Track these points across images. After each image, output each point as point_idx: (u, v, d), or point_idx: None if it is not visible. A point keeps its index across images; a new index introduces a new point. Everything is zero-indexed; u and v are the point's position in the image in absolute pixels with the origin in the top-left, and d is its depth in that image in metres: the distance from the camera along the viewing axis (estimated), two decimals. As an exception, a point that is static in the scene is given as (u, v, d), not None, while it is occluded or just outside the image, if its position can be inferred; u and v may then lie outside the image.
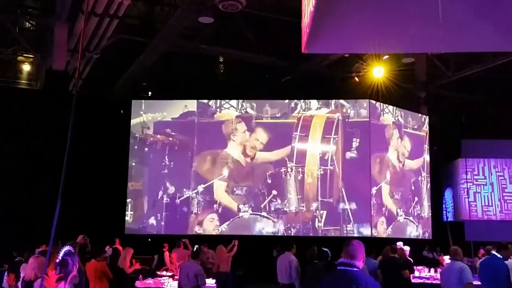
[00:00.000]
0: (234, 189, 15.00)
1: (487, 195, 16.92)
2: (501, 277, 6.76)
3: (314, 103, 15.47)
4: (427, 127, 17.03)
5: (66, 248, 3.43)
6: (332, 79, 15.15)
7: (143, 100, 15.87)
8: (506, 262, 7.24)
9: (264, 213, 14.87)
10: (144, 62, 13.98)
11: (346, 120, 15.28)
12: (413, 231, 16.12)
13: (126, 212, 14.99)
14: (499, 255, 7.24)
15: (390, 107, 16.02)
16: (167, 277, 9.45)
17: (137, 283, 8.98)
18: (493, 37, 3.67)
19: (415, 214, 16.26)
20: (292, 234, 14.69)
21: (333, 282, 3.58)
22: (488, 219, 16.81)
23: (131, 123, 15.46)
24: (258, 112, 15.43)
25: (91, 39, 12.41)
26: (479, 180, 17.00)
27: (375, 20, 3.74)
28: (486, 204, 16.89)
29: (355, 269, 3.45)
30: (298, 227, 14.81)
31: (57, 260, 3.30)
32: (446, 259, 11.80)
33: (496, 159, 17.13)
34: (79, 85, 13.48)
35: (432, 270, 11.59)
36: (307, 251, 8.54)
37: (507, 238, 14.10)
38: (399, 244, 10.37)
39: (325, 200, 14.89)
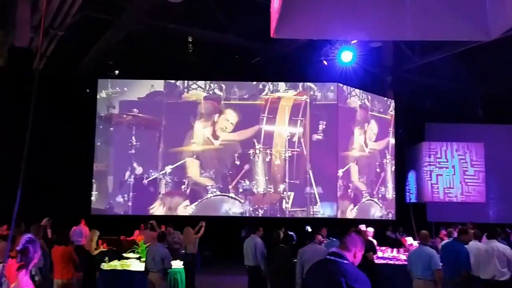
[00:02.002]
0: (202, 170, 14.99)
1: (449, 178, 17.39)
2: (461, 262, 6.98)
3: (282, 85, 15.53)
4: (393, 111, 17.36)
5: (28, 235, 3.37)
6: (301, 62, 15.17)
7: (109, 79, 15.59)
8: (466, 246, 7.49)
9: (232, 194, 14.94)
10: (110, 40, 13.66)
11: (314, 102, 15.41)
12: (377, 212, 16.51)
13: (92, 193, 14.82)
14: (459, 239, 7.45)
15: (357, 91, 16.22)
16: (133, 259, 9.41)
17: (103, 265, 8.90)
18: (458, 26, 3.74)
19: (380, 195, 16.63)
20: (260, 215, 14.84)
21: (320, 273, 3.39)
22: (449, 201, 17.31)
23: (97, 102, 15.20)
24: (226, 94, 15.39)
25: (55, 16, 12.02)
26: (441, 163, 17.44)
27: (344, 6, 3.76)
28: (448, 186, 17.36)
29: (345, 261, 3.28)
30: (265, 208, 14.96)
31: (18, 248, 3.24)
32: (409, 240, 12.18)
33: (459, 142, 17.58)
34: (43, 63, 13.10)
35: (395, 250, 11.89)
36: (271, 235, 8.66)
37: (467, 219, 14.65)
38: (362, 226, 10.59)
39: (293, 181, 15.06)
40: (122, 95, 15.31)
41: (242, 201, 14.94)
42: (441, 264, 6.80)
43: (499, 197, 18.07)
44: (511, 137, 18.01)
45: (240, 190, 14.99)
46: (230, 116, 15.26)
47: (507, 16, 3.50)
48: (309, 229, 10.78)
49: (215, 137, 15.17)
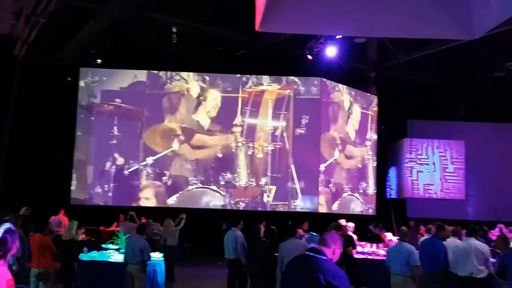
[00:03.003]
0: (184, 162, 14.92)
1: (429, 174, 17.59)
2: (439, 259, 7.05)
3: (265, 78, 15.50)
4: (376, 107, 17.45)
5: (6, 225, 3.29)
6: (285, 56, 15.15)
7: (91, 68, 15.37)
8: (444, 243, 7.56)
9: (213, 187, 14.90)
10: (94, 28, 13.47)
11: (297, 97, 15.42)
12: (358, 207, 16.62)
13: (72, 183, 14.65)
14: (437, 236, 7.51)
15: (341, 86, 16.27)
16: (113, 250, 9.33)
17: (82, 256, 8.81)
18: (442, 24, 3.74)
19: (361, 190, 16.75)
20: (241, 208, 14.83)
21: (299, 268, 3.38)
22: (429, 197, 17.51)
23: (78, 91, 15.00)
24: (210, 86, 15.31)
25: (38, 2, 11.82)
26: (422, 160, 17.62)
27: (329, 2, 3.73)
28: (428, 183, 17.57)
29: (324, 257, 3.28)
30: (247, 201, 14.96)
31: (-4, 238, 3.17)
32: (388, 235, 12.28)
33: (440, 140, 17.78)
34: (24, 50, 12.87)
35: (375, 245, 11.99)
36: (252, 229, 8.65)
37: (446, 215, 14.83)
38: (342, 221, 10.65)
39: (275, 175, 15.07)
40: (104, 85, 15.14)
41: (224, 194, 14.92)
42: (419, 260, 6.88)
43: (478, 195, 18.34)
44: (491, 135, 18.26)
45: (222, 182, 14.95)
46: (211, 109, 15.18)
47: (491, 15, 3.51)
48: (291, 223, 10.86)
49: (198, 128, 15.09)
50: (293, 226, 7.85)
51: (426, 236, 8.95)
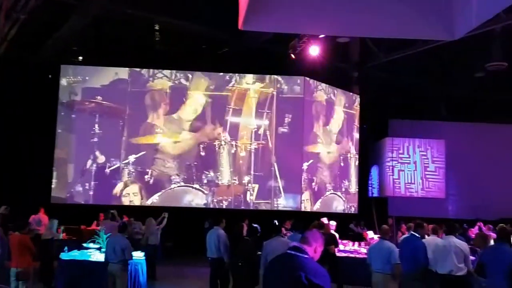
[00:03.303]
0: (166, 160, 14.84)
1: (410, 173, 17.76)
2: (419, 256, 7.12)
3: (248, 77, 15.50)
4: (358, 106, 17.57)
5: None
6: (269, 54, 15.15)
7: (72, 65, 15.20)
8: (424, 241, 7.65)
9: (196, 185, 14.86)
10: (75, 25, 13.29)
11: (280, 95, 15.45)
12: (340, 205, 16.73)
13: (52, 181, 14.47)
14: (417, 234, 7.58)
15: (323, 85, 16.34)
16: (93, 249, 9.24)
17: (62, 255, 8.71)
18: (423, 25, 3.78)
19: (343, 189, 16.85)
20: (224, 207, 14.82)
21: (280, 267, 3.38)
22: (410, 196, 17.69)
23: (59, 88, 14.81)
24: (193, 84, 15.25)
25: (17, -2, 11.62)
26: (403, 159, 17.79)
27: (312, 1, 3.75)
28: (409, 181, 17.74)
29: (305, 256, 3.28)
30: (230, 200, 14.94)
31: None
32: (370, 233, 12.39)
33: (421, 139, 17.97)
34: (4, 47, 12.66)
35: (356, 244, 12.09)
36: (234, 228, 8.64)
37: (426, 214, 15.01)
38: (324, 219, 10.71)
39: (257, 174, 15.08)
40: (85, 82, 14.98)
41: (206, 192, 14.88)
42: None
43: (458, 193, 18.60)
44: (471, 135, 18.53)
45: (205, 181, 14.91)
46: (194, 107, 15.14)
47: (471, 16, 3.56)
48: (277, 222, 10.81)
49: (181, 127, 15.03)
50: (278, 225, 7.84)
51: (407, 234, 9.04)
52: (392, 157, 17.72)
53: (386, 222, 13.40)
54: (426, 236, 8.63)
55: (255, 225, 8.42)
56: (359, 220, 16.72)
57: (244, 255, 7.58)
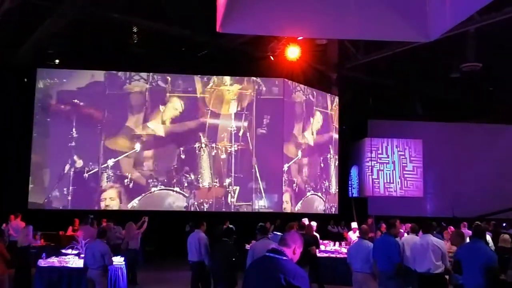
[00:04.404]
0: (146, 163, 14.73)
1: (389, 173, 17.96)
2: (392, 255, 7.18)
3: (227, 79, 15.49)
4: (337, 107, 17.70)
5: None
6: (248, 56, 15.16)
7: (48, 68, 14.98)
8: (402, 239, 7.72)
9: (176, 188, 14.78)
10: (51, 28, 13.11)
11: (259, 97, 15.47)
12: (321, 206, 16.81)
13: (29, 186, 14.22)
14: (390, 234, 7.64)
15: (302, 86, 16.42)
16: (72, 256, 9.11)
17: (40, 262, 8.57)
18: (398, 27, 3.83)
19: (323, 190, 16.94)
20: (205, 210, 14.76)
21: (260, 269, 3.38)
22: (389, 195, 17.89)
23: (35, 92, 14.59)
24: (171, 86, 15.18)
25: (-9, 0, 11.42)
26: (382, 159, 17.98)
27: (289, 3, 3.76)
28: (388, 181, 17.93)
29: (284, 257, 3.27)
30: (211, 202, 14.90)
31: None
32: (350, 234, 12.47)
33: (399, 139, 18.18)
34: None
35: (337, 244, 12.17)
36: (215, 230, 8.60)
37: (405, 213, 15.19)
38: (305, 220, 10.75)
39: (238, 176, 15.06)
40: (60, 85, 14.78)
41: (187, 195, 14.81)
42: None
43: (435, 192, 18.88)
44: (447, 134, 18.83)
45: (185, 184, 14.84)
46: (172, 110, 15.06)
47: (446, 17, 3.61)
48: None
49: (160, 129, 14.93)
50: (265, 226, 7.83)
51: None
52: (371, 157, 17.89)
53: (367, 222, 13.49)
54: (406, 235, 8.73)
55: (230, 226, 8.39)
56: (339, 220, 16.83)
57: (222, 257, 7.54)
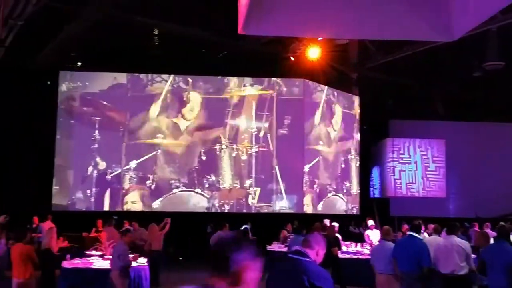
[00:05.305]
0: (168, 165, 14.83)
1: (411, 173, 17.77)
2: (423, 259, 7.04)
3: (247, 80, 15.51)
4: (358, 107, 17.58)
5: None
6: (268, 57, 15.17)
7: (70, 71, 15.20)
8: (426, 240, 7.63)
9: (198, 190, 14.84)
10: (73, 31, 13.31)
11: (279, 97, 15.45)
12: (342, 206, 16.72)
13: (53, 188, 14.44)
14: (415, 234, 7.53)
15: (322, 86, 16.35)
16: (96, 257, 9.21)
17: (64, 263, 8.68)
18: (421, 26, 3.79)
19: (345, 190, 16.84)
20: (226, 211, 14.79)
21: (283, 271, 3.41)
22: (411, 196, 17.70)
23: (58, 95, 14.82)
24: (192, 88, 15.26)
25: (15, 5, 11.64)
26: (404, 159, 17.80)
27: (311, 4, 3.76)
28: (410, 181, 17.75)
29: (307, 259, 3.29)
30: (232, 203, 14.92)
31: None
32: (371, 234, 12.38)
33: (421, 139, 17.98)
34: (1, 54, 12.68)
35: (359, 245, 12.08)
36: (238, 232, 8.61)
37: (427, 213, 15.02)
38: (326, 221, 10.70)
39: (259, 177, 15.06)
40: (83, 88, 14.98)
41: (208, 196, 14.87)
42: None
43: (458, 192, 18.60)
44: (470, 134, 18.54)
45: (206, 185, 14.89)
46: (194, 112, 15.13)
47: (469, 17, 3.57)
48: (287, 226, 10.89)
49: (181, 131, 15.02)
50: (300, 226, 7.76)
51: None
52: (393, 158, 17.73)
53: (388, 223, 13.37)
54: (427, 236, 8.63)
55: (245, 226, 8.38)
56: (360, 221, 16.71)
57: None
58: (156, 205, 14.57)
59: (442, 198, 17.95)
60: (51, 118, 14.65)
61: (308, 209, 15.34)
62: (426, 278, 7.02)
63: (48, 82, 15.27)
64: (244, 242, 1.91)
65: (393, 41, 12.83)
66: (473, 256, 7.40)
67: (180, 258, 14.15)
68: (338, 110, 16.88)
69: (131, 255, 7.80)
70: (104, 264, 8.38)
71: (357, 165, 17.49)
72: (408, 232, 7.78)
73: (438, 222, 9.36)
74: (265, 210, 15.00)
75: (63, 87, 14.93)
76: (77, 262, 8.81)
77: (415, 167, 17.83)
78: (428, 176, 17.86)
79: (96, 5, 11.96)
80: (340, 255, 10.12)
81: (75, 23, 12.85)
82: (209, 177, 14.93)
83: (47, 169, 14.39)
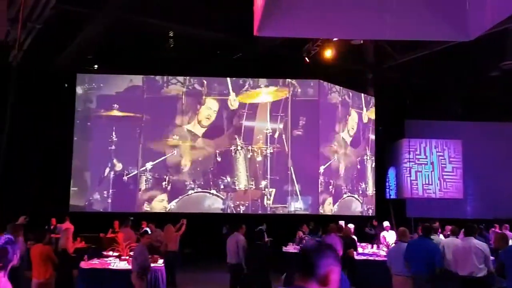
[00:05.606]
0: (183, 166, 14.91)
1: (428, 174, 17.61)
2: (437, 259, 7.01)
3: (262, 81, 15.53)
4: (373, 108, 17.49)
5: (7, 236, 3.29)
6: (282, 58, 15.18)
7: (87, 74, 15.38)
8: (443, 242, 7.57)
9: (213, 191, 14.90)
10: (90, 34, 13.46)
11: (294, 98, 15.44)
12: (358, 208, 16.64)
13: (71, 189, 14.61)
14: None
15: (337, 87, 16.30)
16: (113, 258, 9.29)
17: (82, 264, 8.78)
18: (438, 26, 3.77)
19: (360, 191, 16.76)
20: (241, 212, 14.82)
21: None
22: (428, 197, 17.53)
23: (76, 97, 15.00)
24: (207, 89, 15.32)
25: (33, 8, 11.81)
26: (420, 160, 17.65)
27: (326, 5, 3.77)
28: (427, 182, 17.58)
29: None
30: (247, 204, 14.95)
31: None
32: (387, 236, 12.30)
33: (437, 139, 17.81)
34: (20, 57, 12.86)
35: (375, 246, 12.01)
36: (254, 233, 8.62)
37: (444, 215, 14.88)
38: (341, 222, 10.67)
39: (274, 178, 15.07)
40: (100, 90, 15.14)
41: (223, 197, 14.91)
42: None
43: (476, 193, 18.38)
44: (488, 134, 18.30)
45: (221, 186, 14.94)
46: (208, 113, 15.20)
47: (486, 16, 3.55)
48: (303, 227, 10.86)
49: (196, 132, 15.10)
50: (316, 228, 7.74)
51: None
52: (409, 158, 17.59)
53: (405, 224, 13.28)
54: (443, 237, 8.56)
55: (260, 227, 8.36)
56: (377, 222, 16.61)
57: (256, 261, 7.53)
58: (172, 206, 14.66)
59: (459, 199, 17.76)
60: (68, 120, 14.82)
61: (323, 210, 15.30)
62: (437, 279, 6.98)
63: (66, 85, 15.46)
64: (328, 250, 2.22)
65: (409, 41, 12.76)
66: (491, 258, 7.34)
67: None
68: (353, 110, 16.81)
69: (150, 257, 7.88)
70: (121, 264, 8.46)
71: (373, 166, 17.40)
72: (420, 234, 7.75)
73: (455, 224, 9.29)
74: (280, 211, 14.99)
75: (80, 90, 15.11)
76: (95, 263, 8.89)
77: (432, 168, 17.66)
78: (444, 177, 17.68)
79: (112, 8, 12.07)
80: (356, 257, 10.08)
81: (91, 27, 12.99)
82: (224, 178, 14.97)
83: (65, 170, 14.56)
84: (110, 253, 9.78)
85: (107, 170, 14.67)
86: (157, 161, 14.77)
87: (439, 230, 10.19)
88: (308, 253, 2.19)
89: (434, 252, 7.02)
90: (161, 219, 12.32)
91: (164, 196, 14.70)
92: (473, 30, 3.70)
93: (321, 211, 15.18)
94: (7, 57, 13.39)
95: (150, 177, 14.73)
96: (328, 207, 15.54)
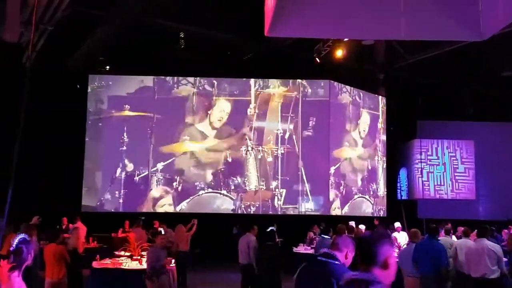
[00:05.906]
0: (194, 167, 14.95)
1: (440, 175, 17.48)
2: (442, 259, 6.97)
3: (272, 81, 15.53)
4: (384, 108, 17.41)
5: (21, 235, 3.33)
6: (293, 58, 15.16)
7: (99, 75, 15.48)
8: (456, 243, 7.52)
9: (224, 191, 14.92)
10: (101, 35, 13.55)
11: (305, 99, 15.42)
12: (369, 208, 16.57)
13: (83, 190, 14.72)
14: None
15: (348, 87, 16.25)
16: (125, 257, 9.34)
17: (94, 263, 8.83)
18: (451, 26, 3.76)
19: (371, 192, 16.69)
20: (252, 212, 14.84)
21: (312, 273, 3.38)
22: (440, 198, 17.41)
23: (87, 98, 15.10)
24: (217, 90, 15.36)
25: (45, 10, 11.90)
26: (432, 160, 17.53)
27: (337, 6, 3.77)
28: (438, 183, 17.46)
29: (336, 262, 3.27)
30: (257, 205, 14.95)
31: (11, 248, 3.20)
32: (398, 237, 12.25)
33: (449, 140, 17.68)
34: (33, 58, 12.97)
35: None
36: (265, 234, 8.62)
37: (457, 216, 14.76)
38: (352, 223, 10.62)
39: (284, 178, 15.06)
40: (111, 91, 15.23)
41: (234, 198, 14.93)
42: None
43: (488, 194, 18.21)
44: (500, 134, 18.13)
45: (232, 187, 14.97)
46: (219, 113, 15.23)
47: (499, 16, 3.53)
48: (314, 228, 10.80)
49: (207, 133, 15.14)
50: (327, 228, 7.74)
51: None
52: (421, 159, 17.48)
53: (416, 225, 13.20)
54: (455, 239, 8.50)
55: (271, 228, 8.36)
56: (388, 223, 16.52)
57: (266, 261, 7.52)
58: (183, 206, 14.71)
59: (472, 200, 17.61)
60: (80, 121, 14.93)
61: (334, 211, 15.26)
62: (443, 279, 6.95)
63: (78, 86, 15.57)
64: (384, 238, 2.54)
65: (420, 41, 12.68)
66: (504, 259, 7.28)
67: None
68: (364, 111, 16.75)
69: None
70: (133, 264, 8.50)
71: (384, 166, 17.32)
72: (427, 235, 7.72)
73: (468, 225, 9.22)
74: (291, 212, 14.99)
75: (92, 90, 15.22)
76: (107, 263, 8.94)
77: (444, 169, 17.54)
78: (457, 177, 17.55)
79: (123, 10, 12.15)
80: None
81: (103, 28, 13.08)
82: (235, 178, 15.00)
83: (77, 171, 14.67)
84: (122, 253, 9.83)
85: (119, 170, 14.76)
86: (168, 161, 14.83)
87: (451, 231, 10.12)
88: (368, 244, 2.49)
89: (440, 252, 6.99)
90: (171, 220, 12.36)
91: (175, 197, 14.76)
92: (486, 29, 3.68)
93: (331, 212, 15.14)
94: (20, 58, 13.53)
95: (161, 177, 14.79)
96: (339, 208, 15.50)
